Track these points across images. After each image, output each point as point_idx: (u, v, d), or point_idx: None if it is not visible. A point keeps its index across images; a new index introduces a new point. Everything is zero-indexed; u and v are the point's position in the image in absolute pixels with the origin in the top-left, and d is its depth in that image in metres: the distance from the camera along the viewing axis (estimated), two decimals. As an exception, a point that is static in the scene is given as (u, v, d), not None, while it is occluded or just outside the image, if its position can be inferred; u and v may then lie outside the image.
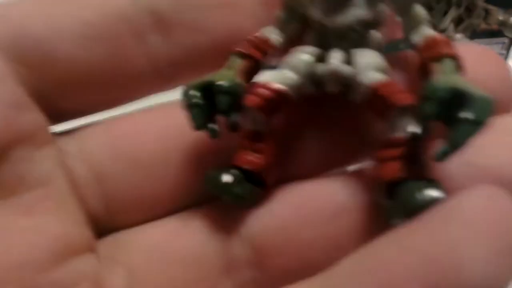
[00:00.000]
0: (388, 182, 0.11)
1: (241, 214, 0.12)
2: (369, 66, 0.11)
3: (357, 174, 0.13)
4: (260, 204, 0.12)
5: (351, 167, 0.13)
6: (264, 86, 0.11)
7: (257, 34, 0.12)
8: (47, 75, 0.12)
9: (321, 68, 0.11)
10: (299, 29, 0.12)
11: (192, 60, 0.13)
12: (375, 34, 0.12)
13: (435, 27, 0.28)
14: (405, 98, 0.11)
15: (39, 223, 0.12)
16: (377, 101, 0.11)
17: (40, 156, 0.12)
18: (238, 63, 0.12)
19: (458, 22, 0.28)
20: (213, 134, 0.12)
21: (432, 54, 0.11)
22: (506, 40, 0.28)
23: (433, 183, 0.10)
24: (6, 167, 0.12)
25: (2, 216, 0.12)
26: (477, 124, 0.10)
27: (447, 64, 0.11)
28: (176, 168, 0.13)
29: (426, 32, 0.11)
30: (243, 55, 0.12)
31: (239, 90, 0.11)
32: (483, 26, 0.28)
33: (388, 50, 0.12)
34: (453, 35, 0.27)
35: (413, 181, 0.10)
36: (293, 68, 0.12)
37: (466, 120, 0.10)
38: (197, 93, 0.11)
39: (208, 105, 0.11)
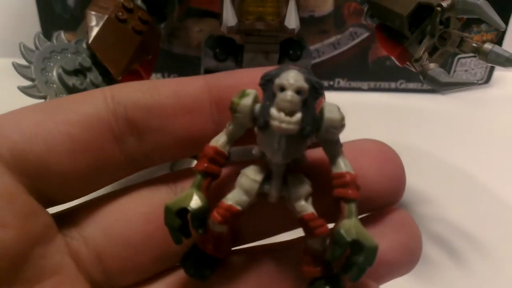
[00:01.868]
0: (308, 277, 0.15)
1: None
2: (300, 196, 0.15)
3: (289, 246, 0.17)
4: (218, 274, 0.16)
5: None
6: (226, 208, 0.15)
7: (213, 145, 0.15)
8: (44, 182, 0.15)
9: (266, 188, 0.15)
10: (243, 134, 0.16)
11: (160, 154, 0.17)
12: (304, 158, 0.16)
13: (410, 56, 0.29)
14: (322, 231, 0.15)
15: None
16: (304, 226, 0.15)
17: (52, 250, 0.16)
18: (201, 181, 0.15)
19: (432, 51, 0.28)
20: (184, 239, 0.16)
21: (342, 195, 0.15)
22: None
23: (337, 281, 0.15)
24: (29, 265, 0.15)
25: None
26: (364, 269, 0.14)
27: (351, 207, 0.15)
28: (157, 245, 0.17)
29: (340, 166, 0.15)
30: (204, 173, 0.15)
31: (205, 210, 0.15)
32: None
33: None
34: (427, 64, 0.28)
35: (323, 278, 0.15)
36: (246, 192, 0.15)
37: (358, 263, 0.14)
38: (175, 218, 0.15)
39: (183, 223, 0.15)
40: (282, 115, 0.14)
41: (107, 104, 0.16)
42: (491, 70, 0.58)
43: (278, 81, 0.14)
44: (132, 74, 0.31)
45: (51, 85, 0.28)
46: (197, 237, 0.16)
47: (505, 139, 0.49)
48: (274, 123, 0.14)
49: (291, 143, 0.14)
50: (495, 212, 0.39)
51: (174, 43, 0.52)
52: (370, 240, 0.14)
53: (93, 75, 0.29)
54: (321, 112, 0.15)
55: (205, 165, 0.15)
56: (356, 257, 0.14)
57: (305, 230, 0.15)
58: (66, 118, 0.15)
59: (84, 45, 0.29)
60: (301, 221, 0.15)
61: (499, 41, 0.54)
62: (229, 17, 0.30)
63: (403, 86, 0.57)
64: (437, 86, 0.27)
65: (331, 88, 0.56)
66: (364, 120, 0.51)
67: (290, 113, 0.14)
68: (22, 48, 0.27)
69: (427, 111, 0.54)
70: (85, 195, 0.17)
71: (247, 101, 0.15)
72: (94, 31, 0.29)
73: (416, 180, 0.41)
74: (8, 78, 0.27)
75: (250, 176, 0.15)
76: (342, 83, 0.56)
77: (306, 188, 0.15)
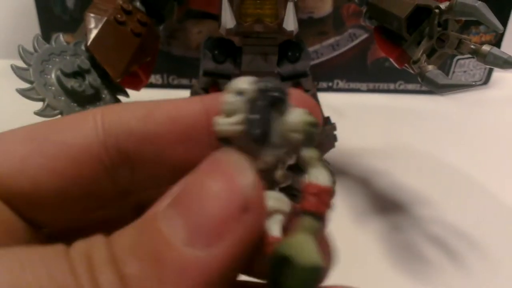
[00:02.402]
0: None
1: None
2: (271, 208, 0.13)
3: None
4: None
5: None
6: None
7: None
8: (29, 215, 0.15)
9: None
10: None
11: (155, 183, 0.16)
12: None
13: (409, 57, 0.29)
14: (268, 251, 0.12)
15: None
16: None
17: None
18: None
19: (430, 52, 0.28)
20: None
21: (302, 207, 0.12)
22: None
23: None
24: None
25: None
26: None
27: (306, 221, 0.12)
28: None
29: (312, 176, 0.13)
30: None
31: None
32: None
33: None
34: (425, 65, 0.28)
35: None
36: None
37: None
38: None
39: None
40: (220, 118, 0.13)
41: (98, 134, 0.15)
42: (490, 71, 0.58)
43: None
44: (131, 76, 0.31)
45: (50, 87, 0.28)
46: None
47: (504, 140, 0.49)
48: (214, 128, 0.13)
49: (249, 153, 0.12)
50: (494, 213, 0.39)
51: (173, 44, 0.52)
52: (307, 260, 0.11)
53: (92, 77, 0.29)
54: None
55: None
56: (285, 277, 0.11)
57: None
58: (54, 152, 0.15)
59: (83, 47, 0.29)
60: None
61: (497, 42, 0.54)
62: (228, 19, 0.30)
63: (402, 87, 0.57)
64: (435, 88, 0.27)
65: (330, 89, 0.57)
66: (363, 121, 0.51)
67: (229, 115, 0.13)
68: (21, 51, 0.27)
69: (425, 112, 0.54)
70: (73, 224, 0.16)
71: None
72: (93, 33, 0.29)
73: (415, 181, 0.41)
74: (7, 80, 0.27)
75: None
76: (341, 84, 0.56)
77: (284, 203, 0.13)
